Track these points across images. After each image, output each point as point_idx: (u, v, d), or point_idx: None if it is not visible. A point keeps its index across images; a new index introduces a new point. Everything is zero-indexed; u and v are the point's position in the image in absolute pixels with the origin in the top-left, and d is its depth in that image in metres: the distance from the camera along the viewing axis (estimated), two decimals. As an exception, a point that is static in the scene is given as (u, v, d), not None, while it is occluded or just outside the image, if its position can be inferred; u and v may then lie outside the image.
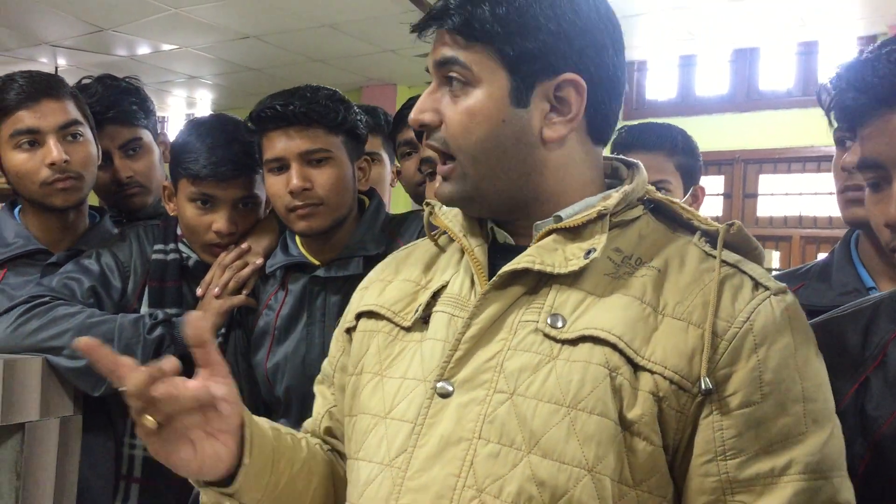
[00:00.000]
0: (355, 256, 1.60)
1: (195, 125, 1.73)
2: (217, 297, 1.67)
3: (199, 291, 1.70)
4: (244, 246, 1.72)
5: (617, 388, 0.89)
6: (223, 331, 1.73)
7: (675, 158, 1.94)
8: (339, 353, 1.15)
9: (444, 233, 1.12)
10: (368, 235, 1.64)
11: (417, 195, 2.10)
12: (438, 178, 1.02)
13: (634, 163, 1.06)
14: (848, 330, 1.09)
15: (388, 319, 1.07)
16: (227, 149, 1.66)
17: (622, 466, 0.89)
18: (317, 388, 1.22)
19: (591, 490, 0.87)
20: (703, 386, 0.88)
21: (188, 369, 1.69)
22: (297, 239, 1.67)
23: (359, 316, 1.12)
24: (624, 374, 0.90)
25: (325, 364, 1.20)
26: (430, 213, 1.09)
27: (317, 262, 1.64)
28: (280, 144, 1.56)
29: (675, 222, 1.03)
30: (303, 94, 1.57)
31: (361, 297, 1.15)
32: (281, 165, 1.57)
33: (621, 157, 1.08)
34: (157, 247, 1.76)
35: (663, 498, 0.92)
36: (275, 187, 1.58)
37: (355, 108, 1.64)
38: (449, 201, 1.02)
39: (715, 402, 0.89)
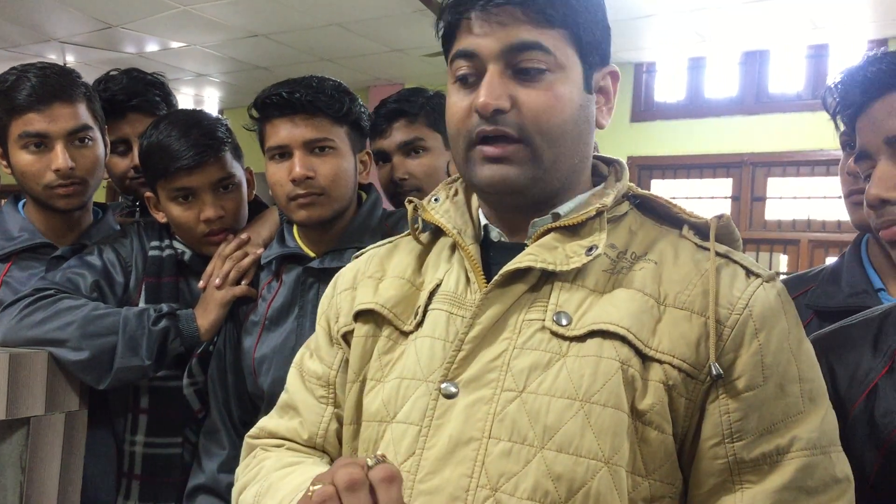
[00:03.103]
0: (350, 248, 1.59)
1: (151, 130, 1.72)
2: (218, 288, 1.67)
3: (200, 284, 1.70)
4: (244, 236, 1.72)
5: (629, 379, 0.91)
6: None
7: None
8: (337, 357, 1.12)
9: (426, 229, 1.12)
10: (364, 228, 1.64)
11: (394, 206, 2.05)
12: (483, 161, 0.98)
13: (615, 159, 1.09)
14: (857, 338, 1.09)
15: (390, 322, 1.05)
16: (187, 137, 1.67)
17: (635, 457, 0.91)
18: (300, 387, 1.16)
19: (609, 482, 0.88)
20: (713, 371, 0.90)
21: (186, 361, 1.70)
22: (295, 231, 1.66)
23: (356, 315, 1.09)
24: (634, 366, 0.91)
25: (317, 367, 1.15)
26: (416, 209, 1.09)
27: (312, 255, 1.63)
28: (284, 132, 1.55)
29: (659, 216, 1.06)
30: (308, 83, 1.57)
31: (353, 298, 1.12)
32: (283, 153, 1.56)
33: (599, 154, 1.11)
34: (153, 243, 1.77)
35: (672, 486, 0.94)
36: (276, 175, 1.57)
37: (359, 100, 1.64)
38: (507, 184, 0.97)
39: (721, 387, 0.92)
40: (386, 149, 2.00)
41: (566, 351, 0.93)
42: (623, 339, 0.92)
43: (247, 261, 1.69)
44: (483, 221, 1.07)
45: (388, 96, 2.06)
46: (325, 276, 1.58)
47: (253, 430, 1.20)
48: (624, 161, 1.09)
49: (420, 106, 2.00)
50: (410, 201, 1.09)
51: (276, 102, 1.55)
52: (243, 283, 1.69)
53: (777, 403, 0.92)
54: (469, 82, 0.99)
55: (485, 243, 1.05)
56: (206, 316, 1.66)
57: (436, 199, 1.09)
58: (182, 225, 1.72)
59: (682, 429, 0.93)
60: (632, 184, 1.07)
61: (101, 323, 1.58)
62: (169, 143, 1.67)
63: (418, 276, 1.08)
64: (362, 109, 1.64)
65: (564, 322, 0.93)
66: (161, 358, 1.62)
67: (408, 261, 1.11)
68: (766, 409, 0.92)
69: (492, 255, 1.02)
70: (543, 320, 0.94)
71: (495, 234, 1.05)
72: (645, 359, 0.92)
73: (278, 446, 1.14)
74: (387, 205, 1.88)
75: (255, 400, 1.68)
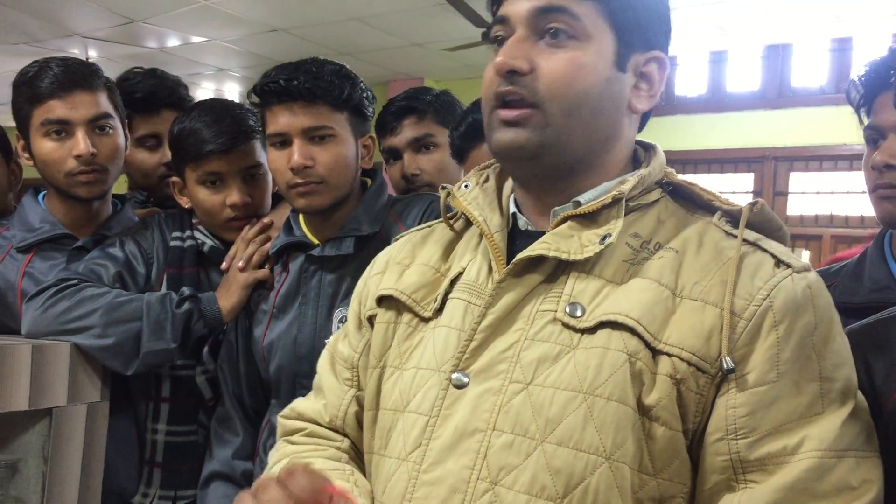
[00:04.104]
0: (348, 236, 1.58)
1: (183, 116, 1.75)
2: (242, 270, 1.68)
3: (223, 265, 1.71)
4: (267, 221, 1.74)
5: (637, 373, 0.87)
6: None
7: None
8: (363, 340, 1.13)
9: (461, 217, 1.11)
10: (365, 216, 1.62)
11: None
12: (500, 125, 0.96)
13: (652, 145, 1.05)
14: (893, 332, 1.07)
15: (409, 308, 1.05)
16: (220, 123, 1.68)
17: (642, 454, 0.87)
18: (328, 370, 1.17)
19: (609, 478, 0.85)
20: (724, 365, 0.86)
21: (202, 343, 1.70)
22: (301, 218, 1.66)
23: (379, 301, 1.09)
24: (643, 359, 0.88)
25: (342, 347, 1.17)
26: (448, 195, 1.07)
27: (316, 242, 1.63)
28: (283, 119, 1.54)
29: (695, 204, 1.01)
30: (308, 69, 1.54)
31: (379, 282, 1.12)
32: (283, 140, 1.55)
33: (640, 139, 1.07)
34: (175, 234, 1.78)
35: (683, 485, 0.89)
36: (276, 162, 1.56)
37: (362, 84, 1.62)
38: (517, 148, 0.96)
39: (732, 381, 0.87)
40: (396, 146, 2.01)
41: (576, 343, 0.90)
42: (632, 331, 0.88)
43: (268, 246, 1.70)
44: (512, 209, 1.04)
45: (395, 96, 2.08)
46: (326, 263, 1.59)
47: (285, 410, 1.21)
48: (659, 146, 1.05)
49: (428, 103, 2.02)
50: (444, 188, 1.09)
51: (274, 90, 1.53)
52: (266, 267, 1.69)
53: (790, 402, 0.86)
54: (502, 46, 0.98)
55: (513, 232, 1.03)
56: (228, 298, 1.67)
57: (465, 186, 1.07)
58: (208, 209, 1.73)
59: (693, 424, 0.88)
60: (671, 170, 1.03)
61: (125, 309, 1.60)
62: (202, 128, 1.68)
63: (444, 263, 1.07)
64: (364, 94, 1.62)
65: (579, 313, 0.91)
66: (185, 340, 1.63)
67: (437, 248, 1.10)
68: (776, 406, 0.86)
69: (517, 244, 0.99)
70: (556, 311, 0.92)
71: (522, 222, 1.03)
72: (655, 352, 0.88)
73: (303, 429, 1.16)
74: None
75: (267, 387, 1.68)
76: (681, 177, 1.02)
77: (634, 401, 0.87)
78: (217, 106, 1.75)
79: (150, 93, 1.95)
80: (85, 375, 1.61)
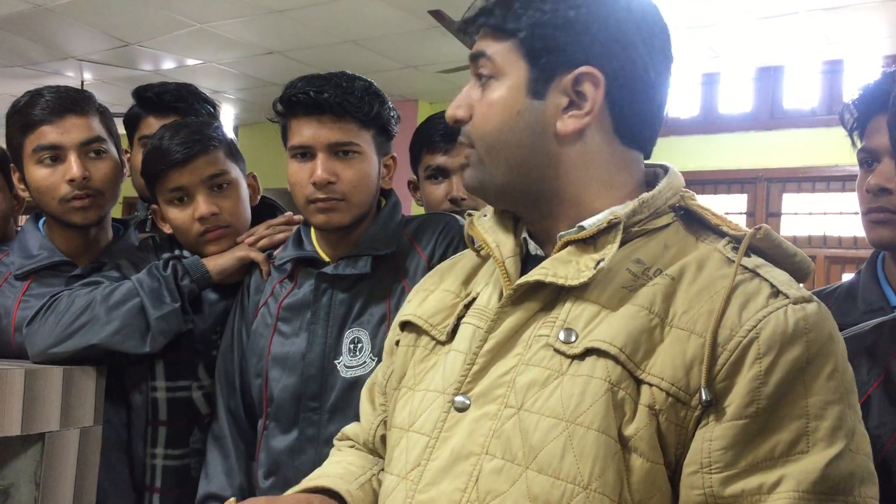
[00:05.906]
0: (365, 255, 1.57)
1: (149, 140, 1.75)
2: (249, 245, 1.70)
3: (239, 238, 1.73)
4: (297, 217, 1.75)
5: (619, 402, 0.86)
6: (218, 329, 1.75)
7: None
8: (390, 364, 1.15)
9: None
10: (381, 235, 1.60)
11: None
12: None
13: (667, 168, 1.03)
14: (852, 352, 1.08)
15: (426, 332, 1.06)
16: (175, 136, 1.67)
17: (622, 486, 0.85)
18: (365, 396, 1.22)
19: None
20: (703, 397, 0.84)
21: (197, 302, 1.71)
22: (312, 233, 1.64)
23: (402, 327, 1.12)
24: (626, 389, 0.86)
25: (379, 373, 1.20)
26: (470, 224, 1.08)
27: (328, 259, 1.61)
28: (308, 132, 1.52)
29: (707, 229, 0.98)
30: (338, 83, 1.52)
31: (405, 308, 1.15)
32: (306, 153, 1.53)
33: (662, 163, 1.05)
34: (165, 255, 1.77)
35: None
36: (297, 175, 1.54)
37: (389, 103, 1.61)
38: (470, 189, 1.03)
39: (711, 414, 0.85)
40: (448, 166, 1.99)
41: (566, 369, 0.89)
42: (616, 360, 0.87)
43: (280, 236, 1.71)
44: (523, 235, 1.05)
45: (436, 114, 2.06)
46: (340, 282, 1.57)
47: (338, 434, 1.27)
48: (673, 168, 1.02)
49: None
50: (469, 214, 1.09)
51: (302, 101, 1.51)
52: (274, 253, 1.70)
53: (770, 439, 0.83)
54: None
55: (527, 259, 1.03)
56: (217, 260, 1.68)
57: (485, 215, 1.08)
58: (179, 227, 1.71)
59: (675, 457, 0.87)
60: (690, 193, 1.00)
61: (119, 291, 1.60)
62: (160, 145, 1.68)
63: (465, 288, 1.09)
64: (391, 113, 1.61)
65: (572, 339, 0.90)
66: (182, 300, 1.64)
67: (461, 273, 1.11)
68: (755, 443, 0.83)
69: (529, 270, 0.98)
70: (549, 336, 0.92)
71: (532, 247, 1.03)
72: (639, 381, 0.87)
73: (351, 446, 1.23)
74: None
75: (258, 406, 1.64)
76: (697, 201, 0.99)
77: (616, 431, 0.86)
78: (175, 123, 1.74)
79: (160, 94, 1.94)
80: (78, 400, 1.61)
